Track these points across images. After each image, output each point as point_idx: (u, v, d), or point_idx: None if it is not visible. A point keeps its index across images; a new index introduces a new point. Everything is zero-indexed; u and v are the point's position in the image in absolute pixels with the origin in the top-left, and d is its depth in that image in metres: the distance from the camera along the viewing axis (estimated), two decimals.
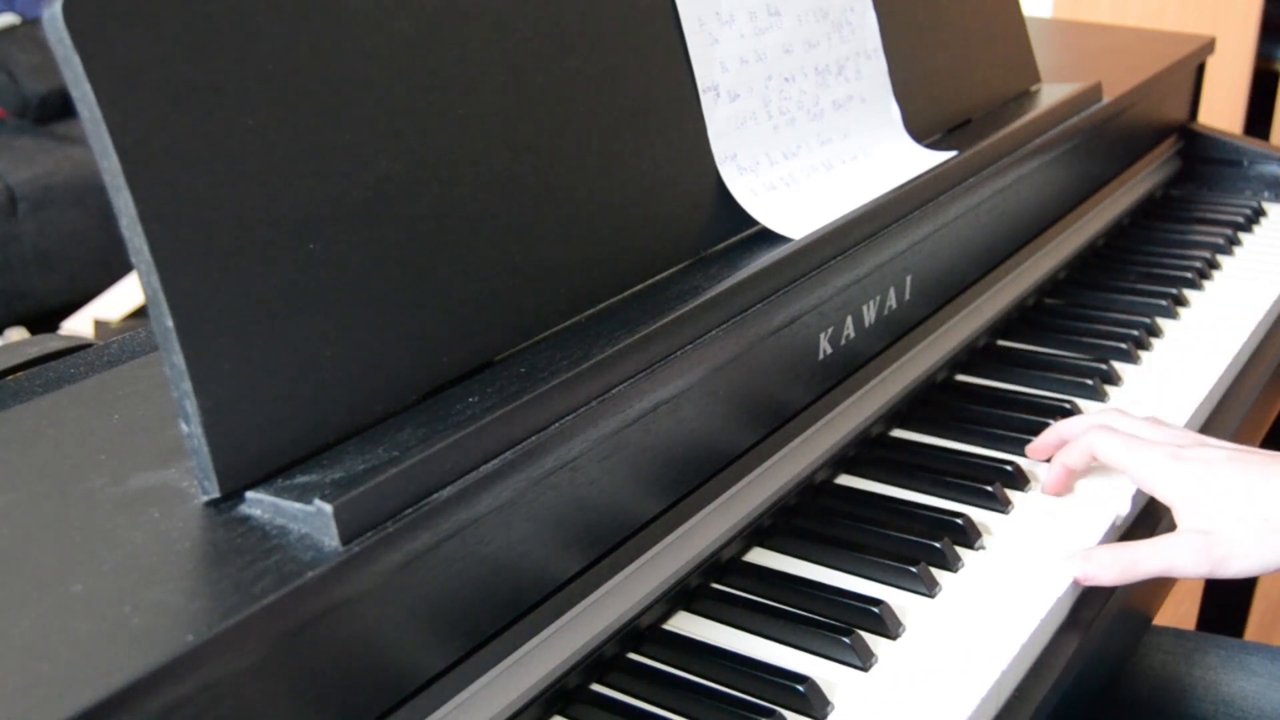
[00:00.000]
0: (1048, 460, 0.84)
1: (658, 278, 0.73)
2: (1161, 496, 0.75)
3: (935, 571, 0.73)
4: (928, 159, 0.93)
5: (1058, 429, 0.83)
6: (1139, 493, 0.80)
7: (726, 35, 0.80)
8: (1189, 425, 0.91)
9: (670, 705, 0.64)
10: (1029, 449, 0.85)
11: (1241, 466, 0.72)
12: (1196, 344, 1.03)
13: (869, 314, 0.85)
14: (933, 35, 1.02)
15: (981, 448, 0.87)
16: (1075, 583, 0.72)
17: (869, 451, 0.87)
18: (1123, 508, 0.79)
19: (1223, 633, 1.44)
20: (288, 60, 0.55)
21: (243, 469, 0.52)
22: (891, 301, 0.88)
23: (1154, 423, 0.80)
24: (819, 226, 0.79)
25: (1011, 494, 0.81)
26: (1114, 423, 0.80)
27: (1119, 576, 0.72)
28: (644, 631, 0.69)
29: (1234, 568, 0.70)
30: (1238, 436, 0.96)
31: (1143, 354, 1.01)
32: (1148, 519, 0.82)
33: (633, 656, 0.67)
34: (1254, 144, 1.42)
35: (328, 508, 0.50)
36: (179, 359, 0.50)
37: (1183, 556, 0.71)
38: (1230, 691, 0.87)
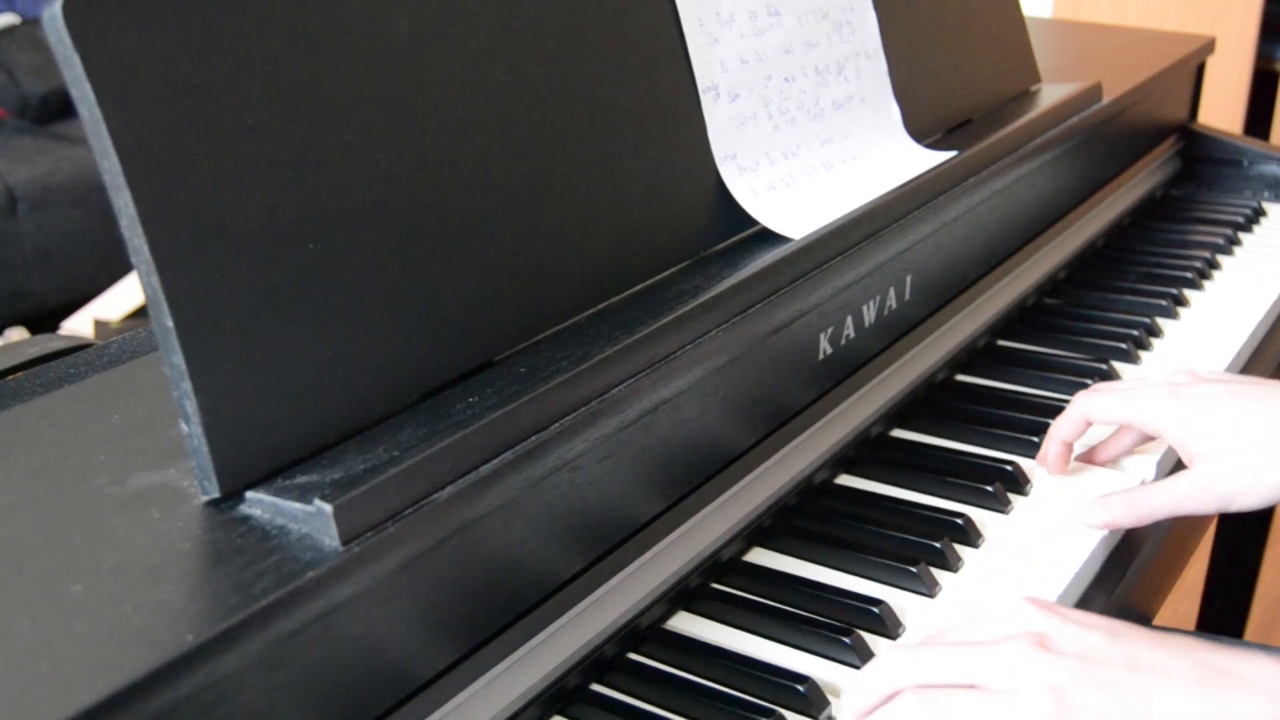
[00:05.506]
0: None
1: (658, 278, 0.73)
2: (1164, 434, 0.75)
3: (935, 571, 0.73)
4: (928, 159, 0.93)
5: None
6: None
7: (726, 35, 0.80)
8: None
9: (670, 705, 0.64)
10: (1039, 458, 0.83)
11: (1241, 399, 0.73)
12: (1196, 344, 1.03)
13: (869, 314, 0.85)
14: (933, 35, 1.02)
15: (981, 448, 0.87)
16: (1101, 526, 0.75)
17: (869, 451, 0.87)
18: None
19: (1222, 633, 1.44)
20: (288, 60, 0.55)
21: (243, 469, 0.52)
22: (891, 301, 0.88)
23: (1144, 379, 0.81)
24: (819, 226, 0.79)
25: (1011, 494, 0.81)
26: (1104, 386, 0.81)
27: (1135, 520, 0.75)
28: (644, 631, 0.69)
29: (1241, 503, 0.71)
30: None
31: (1143, 354, 1.01)
32: None
33: (633, 656, 0.67)
34: (1254, 144, 1.42)
35: (328, 508, 0.50)
36: (179, 359, 0.50)
37: (1190, 498, 0.73)
38: None
